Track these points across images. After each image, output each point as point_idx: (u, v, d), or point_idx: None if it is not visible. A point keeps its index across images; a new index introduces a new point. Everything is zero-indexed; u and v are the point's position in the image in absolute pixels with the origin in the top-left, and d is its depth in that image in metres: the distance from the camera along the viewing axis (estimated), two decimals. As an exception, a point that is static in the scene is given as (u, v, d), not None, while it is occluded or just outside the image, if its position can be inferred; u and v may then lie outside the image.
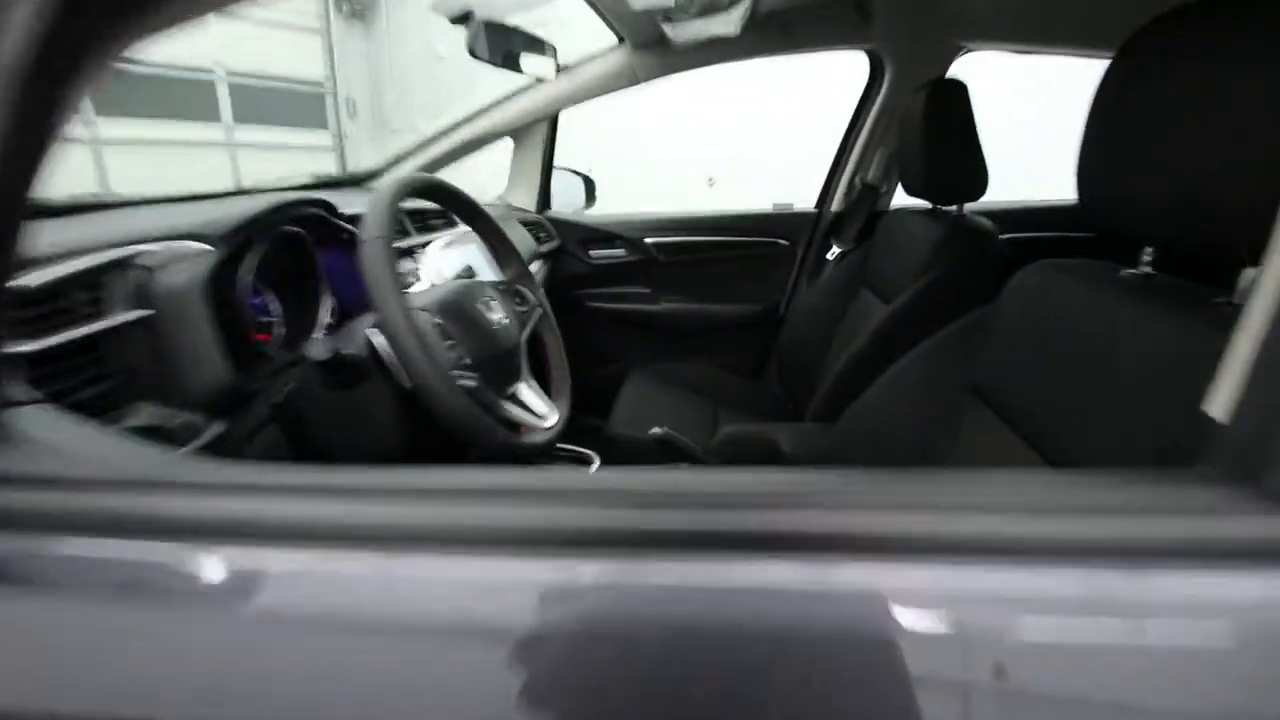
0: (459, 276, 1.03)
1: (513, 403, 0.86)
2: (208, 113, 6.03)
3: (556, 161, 2.01)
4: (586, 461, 1.38)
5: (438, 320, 0.76)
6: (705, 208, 2.08)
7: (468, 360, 0.76)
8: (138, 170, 5.46)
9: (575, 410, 2.19)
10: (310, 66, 6.94)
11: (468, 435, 0.69)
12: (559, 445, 1.43)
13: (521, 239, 1.73)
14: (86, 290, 0.64)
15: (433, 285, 0.99)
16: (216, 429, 0.66)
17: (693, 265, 1.97)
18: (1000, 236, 1.28)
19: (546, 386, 0.97)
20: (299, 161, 6.74)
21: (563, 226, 1.98)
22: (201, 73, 5.91)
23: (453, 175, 2.07)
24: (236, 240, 0.76)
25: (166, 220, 0.74)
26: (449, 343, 0.75)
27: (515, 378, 0.89)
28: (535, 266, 1.79)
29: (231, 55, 6.12)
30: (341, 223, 0.99)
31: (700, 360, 1.89)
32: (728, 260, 1.98)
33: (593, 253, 1.99)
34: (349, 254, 1.04)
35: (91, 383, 0.62)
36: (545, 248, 1.86)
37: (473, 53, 1.57)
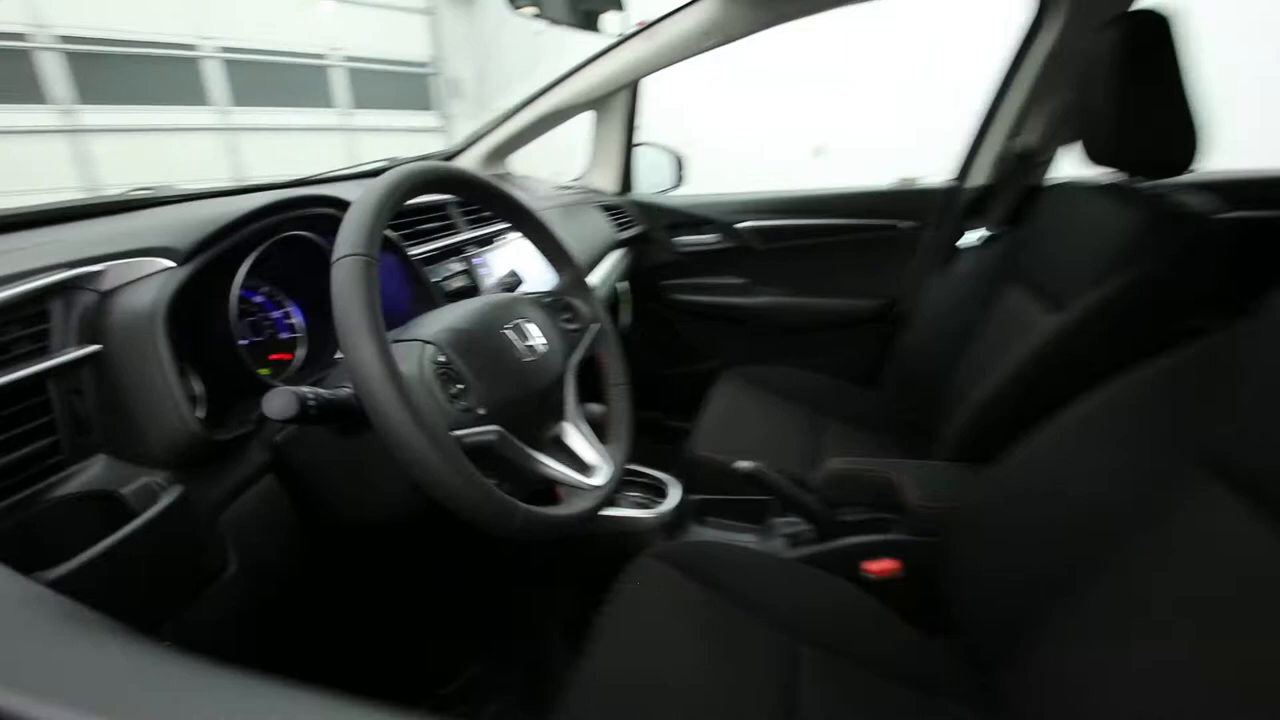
0: (502, 286, 0.85)
1: (552, 452, 0.68)
2: (322, 98, 6.32)
3: (639, 136, 1.80)
4: (660, 491, 1.19)
5: (442, 357, 0.58)
6: (811, 184, 1.79)
7: (482, 409, 0.58)
8: (268, 155, 5.85)
9: (661, 412, 2.05)
10: (416, 48, 7.10)
11: (473, 522, 0.52)
12: (635, 469, 1.25)
13: (599, 227, 1.55)
14: (25, 324, 0.52)
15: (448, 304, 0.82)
16: (172, 494, 0.53)
17: (795, 253, 1.70)
18: (1218, 216, 0.93)
19: (603, 427, 0.78)
20: (408, 144, 6.95)
21: (647, 210, 1.77)
22: (315, 59, 6.19)
23: (533, 155, 1.93)
24: (208, 254, 0.62)
25: (126, 230, 0.61)
26: (456, 388, 0.57)
27: (556, 417, 0.71)
28: (615, 257, 1.60)
29: (345, 40, 6.36)
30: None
31: (801, 362, 1.64)
32: (837, 247, 1.69)
33: (680, 239, 1.77)
34: (385, 254, 0.90)
35: (35, 435, 0.50)
36: (627, 234, 1.66)
37: (544, 13, 1.38)
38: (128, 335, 0.55)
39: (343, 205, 0.80)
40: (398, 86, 7.05)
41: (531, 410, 0.65)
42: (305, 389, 0.52)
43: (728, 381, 1.54)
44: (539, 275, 0.90)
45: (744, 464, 1.02)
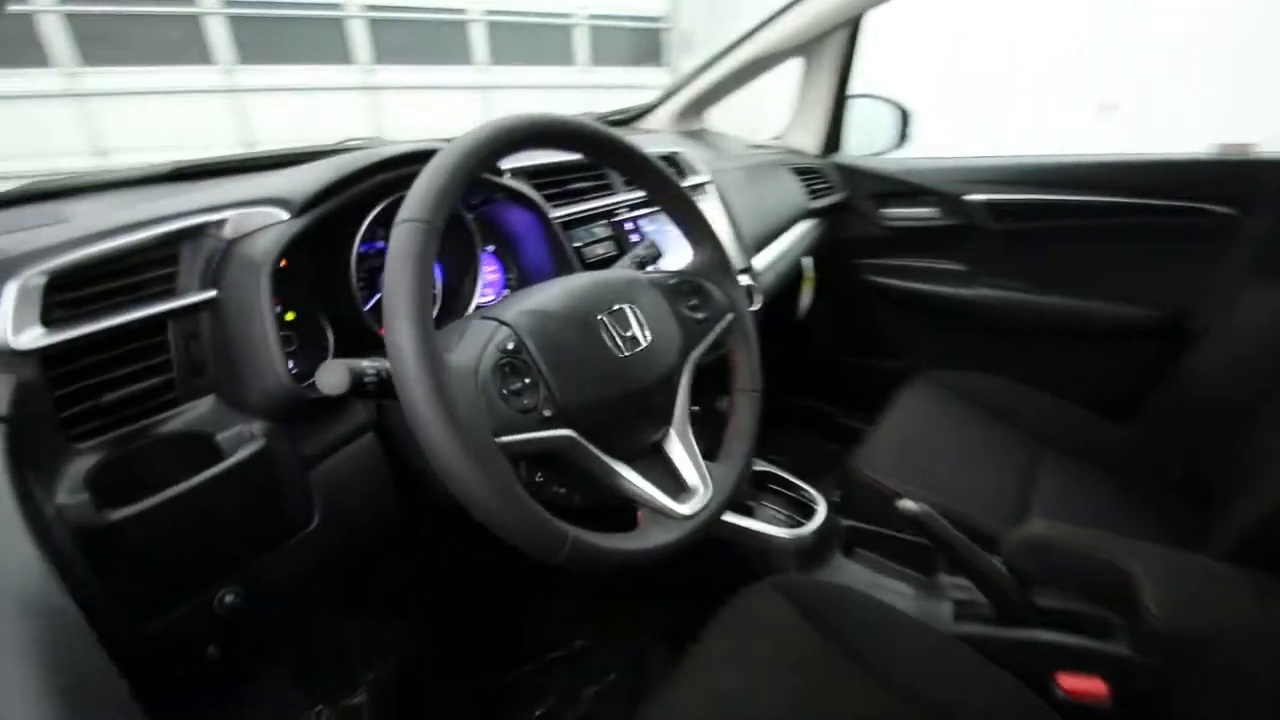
0: (635, 260, 0.75)
1: (648, 464, 0.57)
2: (564, 56, 6.68)
3: (856, 88, 1.54)
4: (808, 511, 1.03)
5: (511, 344, 0.50)
6: (1089, 148, 1.38)
7: (549, 410, 0.49)
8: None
9: (835, 405, 1.80)
10: (651, 3, 7.13)
11: (516, 546, 0.44)
12: (781, 476, 1.09)
13: (787, 193, 1.36)
14: (159, 265, 0.55)
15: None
16: (256, 444, 0.53)
17: (1040, 236, 1.34)
18: None
19: (718, 439, 0.65)
20: (639, 100, 7.09)
21: (851, 175, 1.53)
22: (562, 17, 6.54)
23: (735, 109, 1.77)
24: (325, 208, 0.61)
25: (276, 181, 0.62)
26: (521, 382, 0.48)
27: (659, 422, 0.60)
28: (804, 228, 1.40)
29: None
30: (506, 182, 0.79)
31: (1024, 375, 1.30)
32: (1106, 233, 1.29)
33: (889, 211, 1.50)
34: (527, 212, 0.85)
35: (153, 372, 0.53)
36: (821, 203, 1.44)
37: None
38: (238, 284, 0.56)
39: None
40: (632, 42, 7.19)
41: (624, 414, 0.55)
42: (366, 362, 0.47)
43: (920, 386, 1.29)
44: (681, 252, 0.78)
45: (909, 504, 0.82)
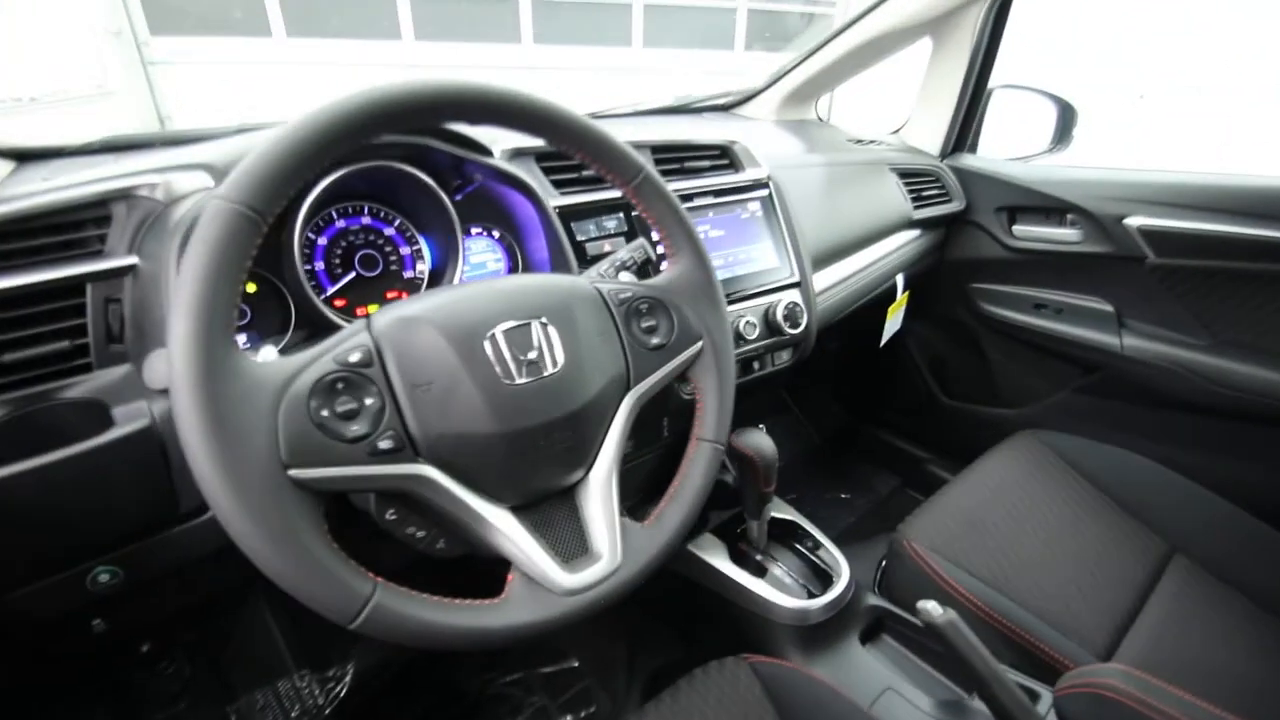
0: (618, 266, 0.63)
1: (542, 516, 0.47)
2: (725, 41, 6.50)
3: (1003, 77, 1.27)
4: (827, 579, 0.86)
5: (357, 356, 0.41)
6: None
7: (388, 442, 0.40)
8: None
9: (934, 452, 1.53)
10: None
11: (301, 602, 0.37)
12: (812, 535, 0.91)
13: (880, 199, 1.16)
14: (94, 225, 0.54)
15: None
16: (137, 423, 0.50)
17: (1218, 279, 1.02)
18: None
19: (660, 487, 0.53)
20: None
21: (975, 181, 1.27)
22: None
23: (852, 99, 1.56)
24: None
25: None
26: (349, 405, 0.40)
27: (572, 465, 0.49)
28: (902, 240, 1.19)
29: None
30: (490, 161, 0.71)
31: (1171, 458, 1.01)
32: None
33: (1022, 229, 1.23)
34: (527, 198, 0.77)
35: (67, 335, 0.53)
36: (930, 212, 1.22)
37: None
38: (158, 251, 0.53)
39: (454, 139, 0.68)
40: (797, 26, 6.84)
41: (509, 453, 0.45)
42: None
43: (1024, 444, 1.05)
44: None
45: (932, 608, 0.64)
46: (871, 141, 1.31)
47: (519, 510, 0.47)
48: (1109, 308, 1.14)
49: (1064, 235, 1.16)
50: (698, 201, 0.87)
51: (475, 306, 0.46)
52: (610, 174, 0.54)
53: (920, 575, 0.84)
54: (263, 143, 0.39)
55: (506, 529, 0.45)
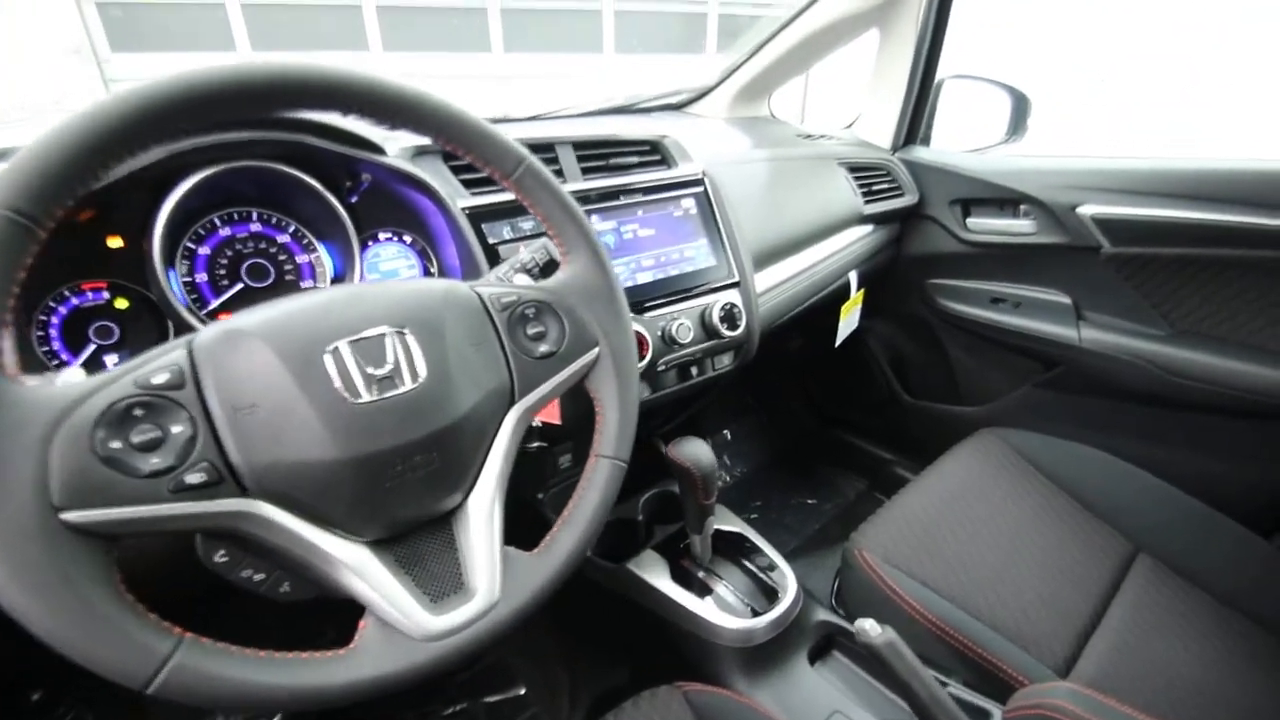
0: (518, 268, 0.58)
1: (409, 549, 0.42)
2: (696, 46, 6.51)
3: (949, 67, 1.24)
4: (774, 595, 0.81)
5: (164, 377, 0.35)
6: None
7: (198, 476, 0.34)
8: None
9: (900, 453, 1.49)
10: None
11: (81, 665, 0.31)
12: (759, 548, 0.86)
13: (829, 194, 1.12)
14: None
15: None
16: None
17: (1178, 268, 0.99)
18: None
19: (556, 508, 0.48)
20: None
21: (926, 174, 1.24)
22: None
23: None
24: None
25: None
26: (148, 434, 0.34)
27: (448, 489, 0.43)
28: (853, 237, 1.15)
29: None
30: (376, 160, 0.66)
31: (1136, 454, 0.97)
32: (1276, 271, 0.92)
33: (976, 222, 1.20)
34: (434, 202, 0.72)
35: None
36: (881, 207, 1.18)
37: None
38: None
39: (337, 135, 0.63)
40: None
41: (359, 480, 0.40)
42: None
43: (983, 444, 1.01)
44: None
45: (869, 627, 0.59)
46: (821, 136, 1.28)
47: (381, 545, 0.42)
48: (1067, 299, 1.10)
49: (1019, 227, 1.13)
50: (625, 200, 0.83)
51: (316, 317, 0.41)
52: (488, 166, 0.49)
53: (872, 588, 0.80)
54: (41, 134, 0.33)
55: (359, 566, 0.40)
